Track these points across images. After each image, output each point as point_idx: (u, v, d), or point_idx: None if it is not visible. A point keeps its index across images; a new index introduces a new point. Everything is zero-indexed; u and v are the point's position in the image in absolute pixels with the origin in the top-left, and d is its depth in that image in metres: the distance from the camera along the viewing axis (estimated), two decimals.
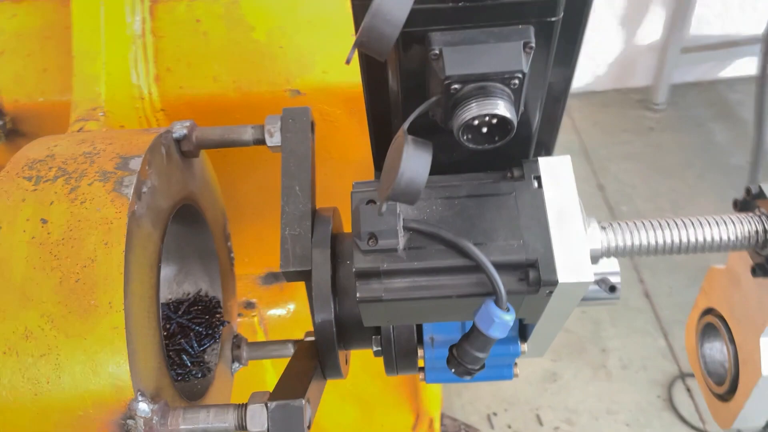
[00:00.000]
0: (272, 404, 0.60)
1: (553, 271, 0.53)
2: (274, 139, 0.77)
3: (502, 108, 0.45)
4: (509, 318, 0.52)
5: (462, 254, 0.54)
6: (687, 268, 2.22)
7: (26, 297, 0.59)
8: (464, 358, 0.55)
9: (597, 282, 0.64)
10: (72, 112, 0.82)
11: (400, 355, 0.71)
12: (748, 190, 0.60)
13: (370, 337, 0.72)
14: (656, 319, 2.16)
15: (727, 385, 0.71)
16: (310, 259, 0.70)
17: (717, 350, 0.75)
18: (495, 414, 1.90)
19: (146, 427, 0.60)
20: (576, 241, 0.54)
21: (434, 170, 0.56)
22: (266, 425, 0.60)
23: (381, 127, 0.59)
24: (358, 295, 0.55)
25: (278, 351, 0.87)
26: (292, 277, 0.71)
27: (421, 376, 0.76)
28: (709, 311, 0.74)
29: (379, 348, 0.71)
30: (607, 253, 0.58)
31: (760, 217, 0.58)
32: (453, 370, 0.56)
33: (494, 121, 0.46)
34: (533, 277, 0.53)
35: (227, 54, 0.93)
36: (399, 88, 0.52)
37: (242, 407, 0.62)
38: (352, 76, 0.93)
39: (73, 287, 0.59)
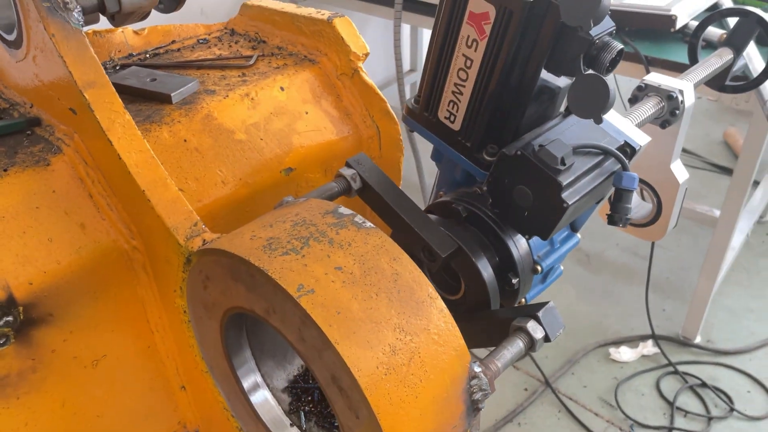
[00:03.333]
0: (539, 314, 0.82)
1: (636, 143, 0.90)
2: (357, 184, 0.95)
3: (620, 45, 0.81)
4: (636, 176, 0.88)
5: (598, 154, 0.87)
6: None
7: (375, 322, 0.69)
8: (623, 213, 0.88)
9: None
10: (177, 235, 0.83)
11: (526, 280, 0.98)
12: (638, 87, 1.08)
13: (505, 278, 0.96)
14: None
15: (653, 214, 1.18)
16: (453, 239, 0.91)
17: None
18: None
19: (488, 375, 0.75)
20: (629, 126, 0.93)
21: (535, 123, 0.89)
22: (544, 329, 0.81)
23: (502, 97, 0.87)
24: (568, 202, 0.82)
25: None
26: (444, 261, 0.91)
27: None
28: None
29: (518, 278, 0.96)
30: None
31: (654, 96, 1.06)
32: (621, 225, 0.89)
33: (616, 55, 0.81)
34: (630, 150, 0.90)
35: (223, 159, 1.02)
36: (537, 64, 0.83)
37: (520, 330, 0.81)
38: (320, 139, 1.12)
39: (399, 298, 0.71)
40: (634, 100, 1.09)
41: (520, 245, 0.95)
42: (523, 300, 1.04)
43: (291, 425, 0.91)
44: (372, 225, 0.77)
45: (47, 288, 0.88)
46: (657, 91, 1.07)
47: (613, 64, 0.82)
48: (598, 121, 0.80)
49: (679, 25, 2.06)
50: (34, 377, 0.91)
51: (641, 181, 1.17)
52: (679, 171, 1.13)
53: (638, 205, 1.21)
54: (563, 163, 0.82)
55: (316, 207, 0.80)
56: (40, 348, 0.90)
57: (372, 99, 1.15)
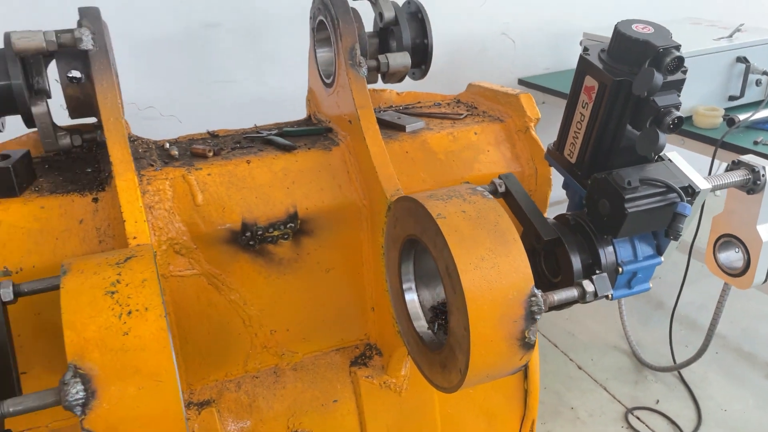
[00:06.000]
0: (594, 277, 1.24)
1: (698, 187, 1.30)
2: (502, 188, 1.46)
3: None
4: (690, 207, 1.27)
5: (662, 187, 1.28)
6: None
7: (475, 241, 1.19)
8: (675, 230, 1.27)
9: None
10: (386, 193, 1.44)
11: (609, 276, 1.38)
12: (733, 162, 1.44)
13: (592, 270, 1.38)
14: (591, 378, 2.92)
15: (742, 267, 1.49)
16: (556, 231, 1.37)
17: (730, 255, 1.53)
18: None
19: (544, 298, 1.20)
20: (697, 176, 1.32)
21: (631, 163, 1.33)
22: (593, 286, 1.23)
23: (601, 141, 1.33)
24: (628, 210, 1.25)
25: None
26: (546, 245, 1.37)
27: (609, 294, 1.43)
28: (720, 238, 1.54)
29: (600, 271, 1.37)
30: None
31: (743, 169, 1.42)
32: (671, 238, 1.28)
33: (676, 120, 1.24)
34: (691, 191, 1.29)
35: (426, 167, 1.62)
36: (624, 121, 1.29)
37: (578, 284, 1.24)
38: (494, 170, 1.66)
39: (495, 235, 1.20)
40: (728, 169, 1.45)
41: (606, 249, 1.37)
42: (609, 295, 1.43)
43: (427, 329, 1.42)
44: (492, 197, 1.28)
45: (314, 214, 1.54)
46: (746, 165, 1.42)
47: (675, 125, 1.25)
48: (650, 157, 1.23)
49: None
50: (295, 265, 1.56)
51: (736, 237, 1.50)
52: (765, 232, 1.44)
53: (738, 258, 1.52)
54: (629, 184, 1.26)
55: (465, 186, 1.34)
56: (302, 249, 1.55)
57: (535, 148, 1.67)
